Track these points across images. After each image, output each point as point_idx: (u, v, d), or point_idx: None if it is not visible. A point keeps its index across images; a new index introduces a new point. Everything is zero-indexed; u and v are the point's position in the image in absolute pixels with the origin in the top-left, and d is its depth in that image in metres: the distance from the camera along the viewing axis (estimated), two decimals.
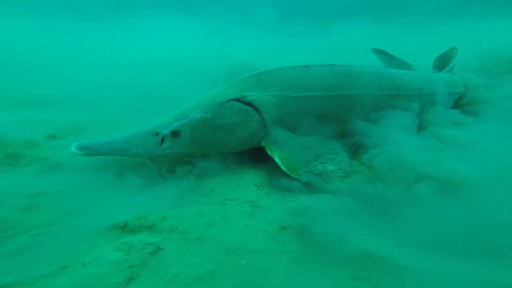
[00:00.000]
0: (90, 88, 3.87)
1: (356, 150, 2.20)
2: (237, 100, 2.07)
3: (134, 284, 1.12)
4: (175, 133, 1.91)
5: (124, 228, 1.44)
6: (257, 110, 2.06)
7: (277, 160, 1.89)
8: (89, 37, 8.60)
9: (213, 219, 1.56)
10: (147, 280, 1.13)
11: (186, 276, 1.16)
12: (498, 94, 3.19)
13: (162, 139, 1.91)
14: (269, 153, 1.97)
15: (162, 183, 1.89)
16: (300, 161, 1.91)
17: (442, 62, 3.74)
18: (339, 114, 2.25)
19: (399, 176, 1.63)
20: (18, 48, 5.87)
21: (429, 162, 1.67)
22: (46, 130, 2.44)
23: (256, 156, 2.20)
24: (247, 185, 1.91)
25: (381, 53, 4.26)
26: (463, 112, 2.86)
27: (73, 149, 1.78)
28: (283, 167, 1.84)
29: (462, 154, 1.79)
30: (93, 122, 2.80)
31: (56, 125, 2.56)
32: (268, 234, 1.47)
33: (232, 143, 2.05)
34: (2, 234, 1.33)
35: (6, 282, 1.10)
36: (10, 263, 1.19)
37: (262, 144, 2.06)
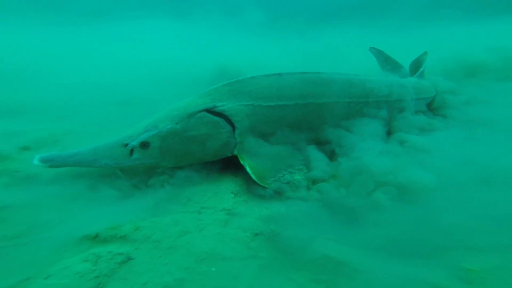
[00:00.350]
0: (67, 96, 3.79)
1: (331, 156, 2.29)
2: (208, 110, 2.09)
3: None
4: (144, 144, 1.91)
5: (95, 239, 1.44)
6: (229, 120, 2.09)
7: (248, 169, 1.95)
8: (68, 42, 8.33)
9: (187, 228, 1.59)
10: None
11: (154, 285, 1.19)
12: (460, 99, 3.43)
13: (131, 150, 1.92)
14: (241, 162, 2.02)
15: (138, 194, 1.89)
16: (270, 170, 1.97)
17: (416, 67, 3.92)
18: (310, 122, 2.32)
19: (360, 183, 1.75)
20: None
21: (390, 170, 1.79)
22: (18, 141, 2.38)
23: (235, 163, 2.22)
24: (225, 193, 1.94)
25: (378, 53, 4.43)
26: (431, 116, 3.03)
27: (36, 161, 1.75)
28: (253, 176, 1.90)
29: (421, 160, 1.94)
30: (70, 132, 2.75)
31: (29, 136, 2.50)
32: (241, 241, 1.51)
33: (203, 154, 2.07)
34: None
35: None
36: None
37: (235, 152, 2.09)
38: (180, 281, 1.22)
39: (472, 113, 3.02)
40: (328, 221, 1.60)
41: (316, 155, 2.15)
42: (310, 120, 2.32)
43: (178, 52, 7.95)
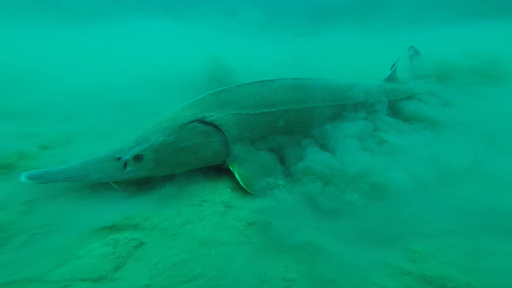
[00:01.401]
0: (71, 98, 3.91)
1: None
2: (199, 121, 2.16)
3: (120, 271, 1.38)
4: (137, 158, 1.95)
5: (112, 227, 1.67)
6: (219, 130, 2.19)
7: (237, 176, 2.11)
8: (66, 44, 8.33)
9: (189, 218, 1.82)
10: (132, 268, 1.40)
11: (164, 264, 1.43)
12: (438, 101, 3.69)
13: (125, 164, 1.95)
14: (231, 169, 2.17)
15: (142, 194, 2.06)
16: (256, 178, 2.13)
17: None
18: (292, 126, 2.47)
19: (339, 183, 2.00)
20: None
21: (366, 172, 2.04)
22: (35, 141, 2.55)
23: None
24: (223, 188, 2.15)
25: (414, 52, 4.56)
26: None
27: (23, 179, 1.70)
28: (241, 183, 2.07)
29: (397, 160, 2.20)
30: (79, 132, 2.90)
31: (44, 137, 2.66)
32: (236, 229, 1.74)
33: (197, 162, 2.18)
34: (4, 234, 1.54)
35: (12, 279, 1.29)
36: (14, 258, 1.40)
37: (226, 160, 2.22)
38: (185, 261, 1.47)
39: (443, 115, 3.27)
40: (312, 213, 1.85)
41: (312, 150, 2.31)
42: (292, 124, 2.48)
43: (174, 53, 8.06)
